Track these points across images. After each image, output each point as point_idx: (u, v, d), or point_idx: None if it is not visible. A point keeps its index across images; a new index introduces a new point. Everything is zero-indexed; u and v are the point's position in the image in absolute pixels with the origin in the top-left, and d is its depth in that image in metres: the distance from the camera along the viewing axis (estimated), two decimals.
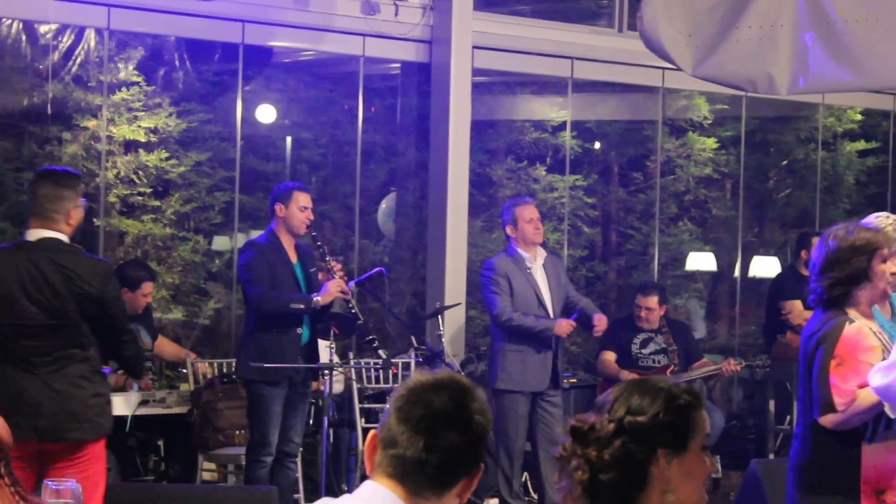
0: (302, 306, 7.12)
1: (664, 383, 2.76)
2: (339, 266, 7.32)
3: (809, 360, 4.61)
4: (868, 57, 6.34)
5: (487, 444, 2.55)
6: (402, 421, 2.48)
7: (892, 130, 12.35)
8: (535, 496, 8.70)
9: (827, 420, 4.51)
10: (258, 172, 10.15)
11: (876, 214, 5.19)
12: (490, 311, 8.17)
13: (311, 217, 7.35)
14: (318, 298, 7.13)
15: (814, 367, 4.57)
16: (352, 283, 7.81)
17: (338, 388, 8.16)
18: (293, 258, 7.33)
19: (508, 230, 8.20)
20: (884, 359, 4.50)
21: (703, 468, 2.75)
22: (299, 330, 7.22)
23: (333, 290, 7.16)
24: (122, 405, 7.26)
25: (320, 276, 7.35)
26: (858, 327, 4.54)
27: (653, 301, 9.07)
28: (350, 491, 2.53)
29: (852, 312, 4.59)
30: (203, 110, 9.64)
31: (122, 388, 7.51)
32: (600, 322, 8.14)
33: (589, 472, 2.68)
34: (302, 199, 7.30)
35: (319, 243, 7.33)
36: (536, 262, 8.20)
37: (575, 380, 9.40)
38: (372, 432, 2.57)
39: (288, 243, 7.32)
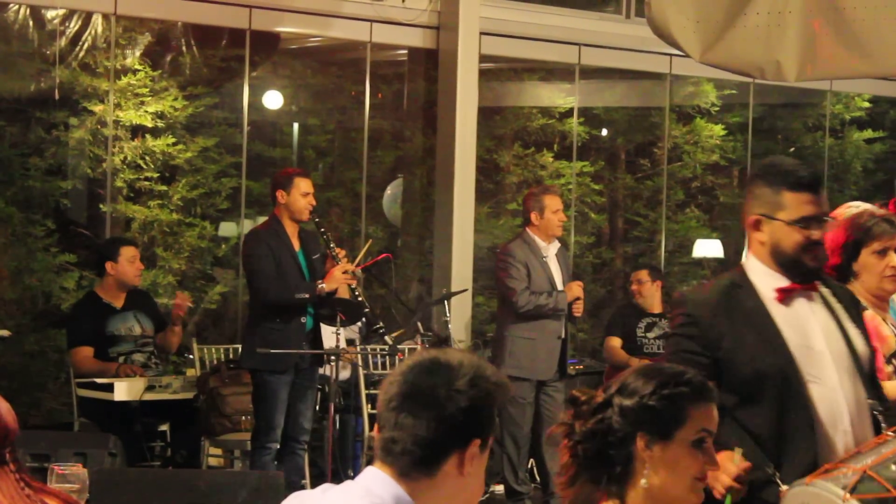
0: (307, 295, 7.10)
1: (670, 370, 2.75)
2: (344, 252, 7.30)
3: None
4: (876, 43, 6.29)
5: (478, 416, 2.45)
6: (382, 402, 2.50)
7: None
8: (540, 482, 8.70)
9: None
10: (265, 158, 10.15)
11: (847, 205, 5.10)
12: (510, 299, 7.99)
13: (314, 202, 7.31)
14: (323, 285, 7.10)
15: None
16: (357, 269, 7.80)
17: (344, 374, 8.16)
18: (296, 245, 7.29)
19: (533, 217, 8.02)
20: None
21: (693, 463, 2.69)
22: (303, 319, 7.20)
23: (338, 275, 7.13)
24: (127, 391, 7.26)
25: (326, 263, 7.33)
26: (873, 314, 4.50)
27: (643, 274, 9.19)
28: (356, 477, 2.53)
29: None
30: (210, 96, 9.64)
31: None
32: None
33: (571, 441, 2.72)
34: (303, 185, 7.25)
35: (323, 230, 7.30)
36: (550, 251, 8.15)
37: (581, 366, 9.39)
38: None
39: (291, 230, 7.28)
